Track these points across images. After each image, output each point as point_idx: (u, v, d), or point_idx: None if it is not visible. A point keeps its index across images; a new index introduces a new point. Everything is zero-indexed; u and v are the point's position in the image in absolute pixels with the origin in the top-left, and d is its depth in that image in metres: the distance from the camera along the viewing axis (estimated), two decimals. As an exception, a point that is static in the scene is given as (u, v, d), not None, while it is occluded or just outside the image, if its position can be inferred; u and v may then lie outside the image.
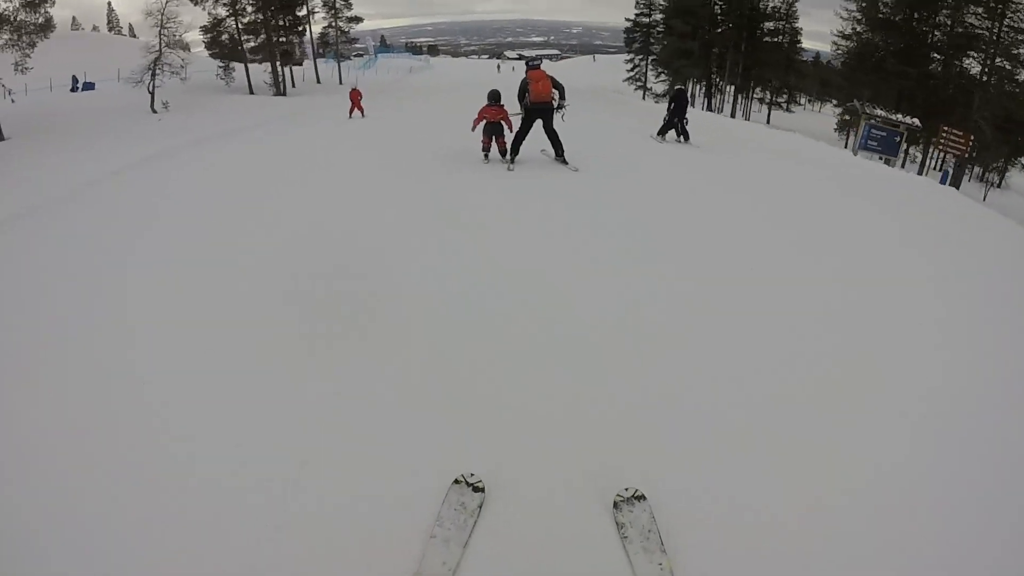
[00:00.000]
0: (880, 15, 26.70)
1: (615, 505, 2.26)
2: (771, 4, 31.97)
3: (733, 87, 33.79)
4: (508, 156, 7.97)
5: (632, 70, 35.72)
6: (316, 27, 32.61)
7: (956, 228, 6.92)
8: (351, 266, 4.50)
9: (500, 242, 5.12)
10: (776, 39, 32.58)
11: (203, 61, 26.79)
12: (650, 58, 35.03)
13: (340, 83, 32.69)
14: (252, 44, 26.32)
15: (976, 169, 26.15)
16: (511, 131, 8.03)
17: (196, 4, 25.17)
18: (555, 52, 54.95)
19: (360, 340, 3.50)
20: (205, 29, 25.88)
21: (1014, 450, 2.76)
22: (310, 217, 5.65)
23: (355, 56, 38.27)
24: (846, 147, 21.58)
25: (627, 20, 35.30)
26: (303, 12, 30.66)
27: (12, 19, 17.61)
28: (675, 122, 11.03)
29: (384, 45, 50.16)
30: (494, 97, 8.00)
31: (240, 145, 10.48)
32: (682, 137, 11.00)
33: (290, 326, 3.60)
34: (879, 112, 19.01)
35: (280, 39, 27.44)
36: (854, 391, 3.15)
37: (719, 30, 32.32)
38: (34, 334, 3.50)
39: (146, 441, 2.61)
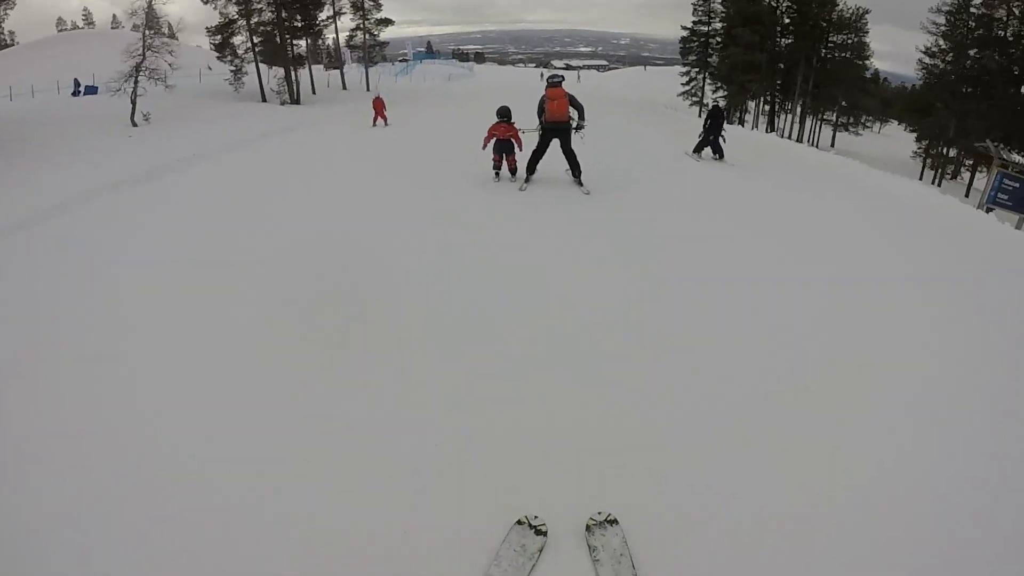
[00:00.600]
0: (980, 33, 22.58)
1: (587, 528, 2.29)
2: (841, 14, 28.03)
3: (800, 107, 29.77)
4: (523, 175, 7.77)
5: (688, 83, 32.06)
6: (343, 30, 30.28)
7: None
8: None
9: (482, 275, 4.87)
10: (844, 54, 28.53)
11: (218, 64, 24.47)
12: (707, 71, 31.36)
13: (368, 90, 30.26)
14: (260, 48, 23.74)
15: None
16: (520, 149, 7.82)
17: (206, 3, 22.93)
18: (603, 63, 55.09)
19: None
20: (212, 31, 23.56)
21: (1012, 447, 2.81)
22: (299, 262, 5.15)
23: (399, 61, 36.65)
24: (921, 178, 19.58)
25: (683, 28, 31.60)
26: (326, 14, 28.15)
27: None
28: (711, 139, 10.97)
29: (430, 51, 49.87)
30: (503, 114, 7.74)
31: (201, 175, 8.92)
32: (717, 155, 10.91)
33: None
34: (1017, 158, 14.89)
35: (293, 41, 24.88)
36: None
37: (788, 41, 28.28)
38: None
39: (146, 441, 2.69)
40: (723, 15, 30.38)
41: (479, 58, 54.70)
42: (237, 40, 23.63)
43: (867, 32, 28.58)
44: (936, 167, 25.47)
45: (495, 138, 7.77)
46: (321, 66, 31.07)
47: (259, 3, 23.38)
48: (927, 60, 24.95)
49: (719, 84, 30.53)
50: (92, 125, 15.25)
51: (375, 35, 31.19)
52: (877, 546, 2.20)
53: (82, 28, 47.88)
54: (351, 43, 30.86)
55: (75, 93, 23.13)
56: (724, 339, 3.81)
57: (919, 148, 26.73)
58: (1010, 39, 22.81)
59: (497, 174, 8.01)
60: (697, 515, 2.33)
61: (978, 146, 21.97)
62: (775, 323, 4.06)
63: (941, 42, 24.45)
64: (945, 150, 25.31)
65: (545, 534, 2.25)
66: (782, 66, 28.76)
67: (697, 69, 31.71)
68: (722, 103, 31.13)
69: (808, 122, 29.77)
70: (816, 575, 2.14)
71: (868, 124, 30.70)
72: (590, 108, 7.91)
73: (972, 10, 23.49)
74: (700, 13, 31.07)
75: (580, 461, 2.59)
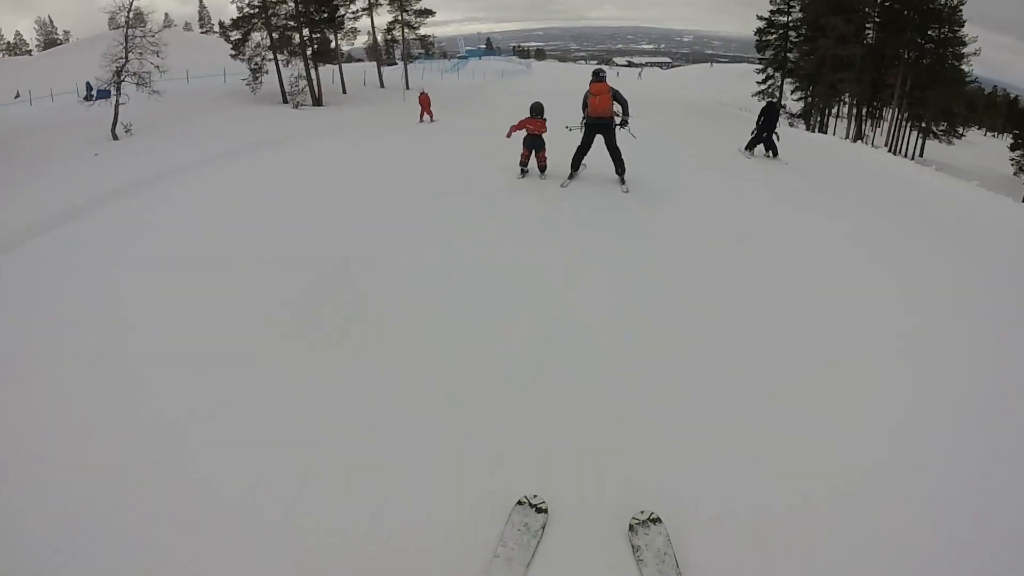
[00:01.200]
0: None
1: (631, 528, 2.30)
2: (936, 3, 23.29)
3: (896, 112, 25.23)
4: (569, 171, 7.62)
5: (764, 82, 28.05)
6: (380, 23, 27.89)
7: None
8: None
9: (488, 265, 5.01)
10: (944, 50, 23.74)
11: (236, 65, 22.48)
12: (786, 67, 27.25)
13: (407, 88, 27.77)
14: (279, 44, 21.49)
15: None
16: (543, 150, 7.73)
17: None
18: (666, 60, 53.37)
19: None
20: (226, 26, 21.53)
21: (1004, 448, 2.89)
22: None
23: (458, 57, 34.99)
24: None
25: (759, 19, 27.56)
26: (359, 4, 25.75)
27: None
28: (764, 136, 10.63)
29: (489, 48, 49.31)
30: (537, 110, 7.63)
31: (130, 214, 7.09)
32: (771, 152, 10.62)
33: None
34: None
35: (314, 34, 22.55)
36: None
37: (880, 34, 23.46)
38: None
39: (146, 441, 2.73)
40: (804, 2, 26.16)
41: (539, 55, 54.08)
42: (257, 36, 21.52)
43: (963, 24, 23.88)
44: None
45: (526, 133, 7.61)
46: (371, 63, 28.73)
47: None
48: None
49: (800, 83, 26.47)
50: (69, 137, 13.24)
51: (415, 27, 28.62)
52: (876, 545, 2.26)
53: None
54: (392, 38, 28.52)
55: (87, 97, 21.50)
56: (724, 339, 3.85)
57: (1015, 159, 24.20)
58: None
59: (524, 170, 7.82)
60: (697, 515, 2.36)
61: None
62: (774, 323, 4.10)
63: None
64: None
65: (546, 511, 2.34)
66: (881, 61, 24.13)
67: (775, 66, 27.65)
68: (794, 105, 27.25)
69: (904, 129, 25.24)
70: (814, 574, 2.17)
71: (963, 133, 25.87)
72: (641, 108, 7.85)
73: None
74: (779, 2, 27.03)
75: (580, 461, 2.64)
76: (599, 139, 7.28)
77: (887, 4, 24.01)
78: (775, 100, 11.07)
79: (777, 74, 27.66)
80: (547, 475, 2.54)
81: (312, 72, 22.06)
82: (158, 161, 10.35)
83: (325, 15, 22.01)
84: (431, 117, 15.63)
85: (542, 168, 7.76)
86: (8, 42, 38.18)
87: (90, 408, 3.02)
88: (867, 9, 23.72)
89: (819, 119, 27.73)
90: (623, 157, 7.38)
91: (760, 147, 10.69)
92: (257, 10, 20.64)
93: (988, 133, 26.71)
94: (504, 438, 2.77)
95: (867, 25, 24.15)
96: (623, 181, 7.46)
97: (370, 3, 26.69)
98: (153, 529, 2.21)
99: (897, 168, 11.30)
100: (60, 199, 7.62)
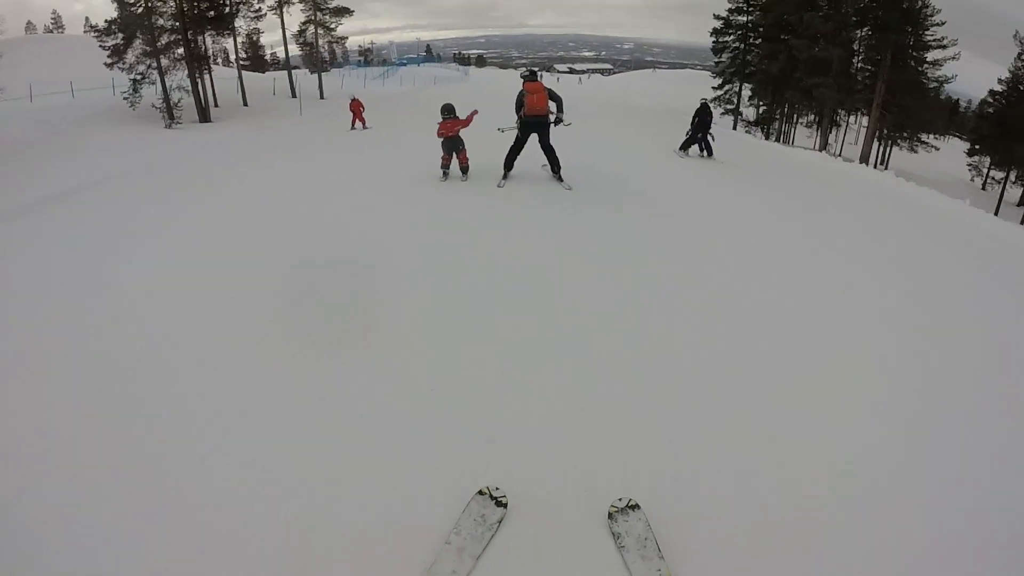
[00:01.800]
0: None
1: (610, 516, 2.26)
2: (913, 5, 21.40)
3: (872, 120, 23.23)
4: (503, 171, 7.47)
5: (721, 86, 25.81)
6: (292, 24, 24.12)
7: None
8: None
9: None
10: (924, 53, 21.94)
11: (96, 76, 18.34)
12: (745, 72, 25.08)
13: (321, 97, 24.25)
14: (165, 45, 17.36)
15: None
16: (467, 124, 7.45)
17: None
18: (608, 67, 54.32)
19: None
20: (101, 30, 17.32)
21: (1004, 447, 2.84)
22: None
23: (398, 62, 33.91)
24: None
25: (716, 18, 25.21)
26: (267, 2, 21.96)
27: None
28: (698, 137, 10.90)
29: (429, 55, 49.36)
30: (447, 111, 7.42)
31: None
32: (705, 152, 10.93)
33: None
34: None
35: (197, 36, 18.53)
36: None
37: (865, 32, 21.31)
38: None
39: (146, 441, 2.65)
40: (765, 1, 23.92)
41: (480, 62, 54.34)
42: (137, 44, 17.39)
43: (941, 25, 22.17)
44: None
45: (442, 138, 7.41)
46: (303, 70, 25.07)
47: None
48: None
49: (760, 88, 24.32)
50: None
51: (331, 28, 24.91)
52: (876, 546, 2.24)
53: (52, 32, 44.45)
54: (304, 39, 24.78)
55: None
56: (723, 339, 3.80)
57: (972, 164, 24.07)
58: None
59: (445, 173, 7.61)
60: (697, 514, 2.34)
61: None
62: (774, 323, 4.07)
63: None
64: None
65: (505, 506, 2.26)
66: (860, 66, 21.87)
67: (732, 70, 25.44)
68: (750, 112, 25.28)
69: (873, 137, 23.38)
70: (812, 573, 2.14)
71: (925, 141, 24.44)
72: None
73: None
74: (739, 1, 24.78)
75: (580, 461, 2.59)
76: (533, 138, 7.28)
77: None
78: (708, 101, 11.31)
79: (735, 79, 25.46)
80: (547, 475, 2.48)
81: (202, 82, 18.06)
82: None
83: (211, 14, 17.93)
84: (363, 124, 14.96)
85: (464, 169, 7.53)
86: None
87: (89, 407, 2.92)
88: (845, 8, 21.41)
89: (779, 127, 25.75)
90: (557, 155, 7.42)
91: (695, 147, 11.00)
92: (142, 9, 16.44)
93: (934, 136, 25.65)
94: (504, 438, 2.73)
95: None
96: (561, 179, 7.48)
97: (279, 1, 22.86)
98: (155, 529, 2.17)
99: (900, 190, 10.48)
100: None
